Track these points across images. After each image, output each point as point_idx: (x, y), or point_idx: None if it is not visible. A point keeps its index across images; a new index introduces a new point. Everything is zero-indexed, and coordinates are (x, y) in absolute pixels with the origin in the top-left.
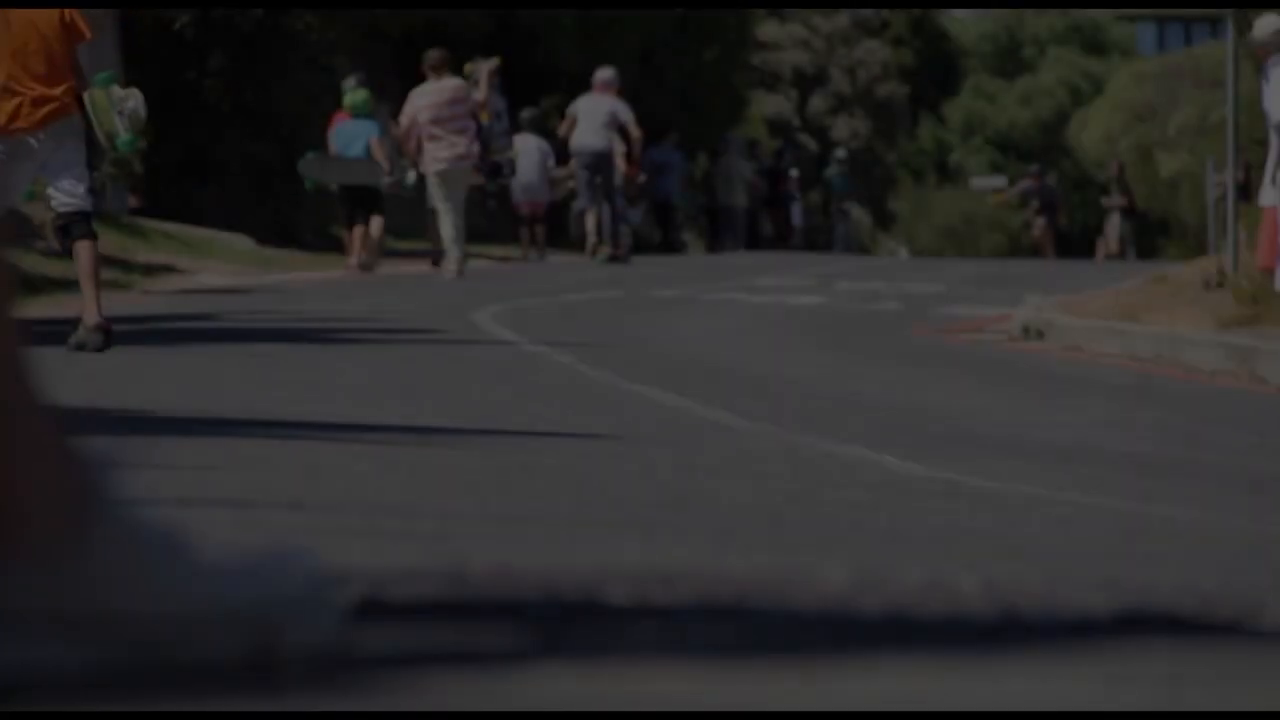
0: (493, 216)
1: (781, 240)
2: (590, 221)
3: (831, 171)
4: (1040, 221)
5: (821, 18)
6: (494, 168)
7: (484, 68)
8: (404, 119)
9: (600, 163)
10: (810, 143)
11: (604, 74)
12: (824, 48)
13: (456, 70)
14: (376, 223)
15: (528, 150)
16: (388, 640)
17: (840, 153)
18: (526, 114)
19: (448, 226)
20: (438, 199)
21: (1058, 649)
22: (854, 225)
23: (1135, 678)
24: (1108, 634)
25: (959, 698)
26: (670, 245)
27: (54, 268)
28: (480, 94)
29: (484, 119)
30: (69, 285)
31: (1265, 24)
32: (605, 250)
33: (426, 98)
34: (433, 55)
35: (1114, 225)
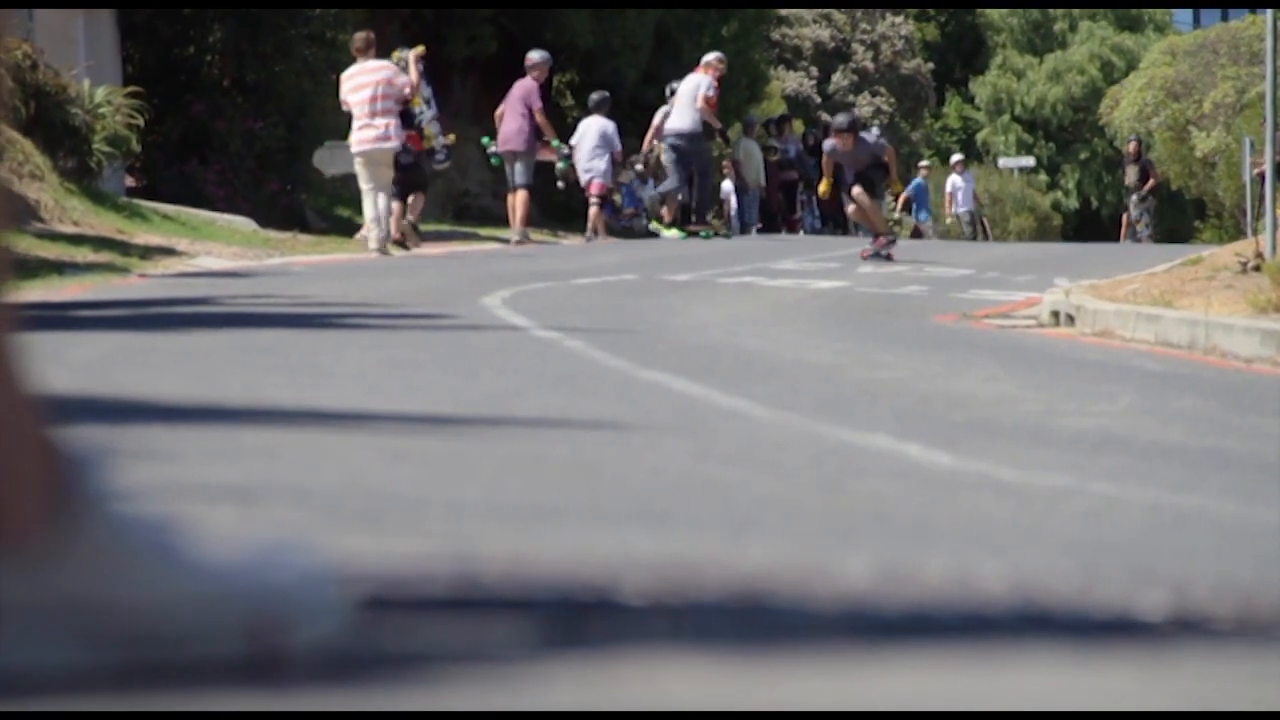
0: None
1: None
2: (672, 201)
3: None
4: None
5: None
6: (427, 154)
7: (411, 54)
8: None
9: (689, 144)
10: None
11: (709, 56)
12: (846, 23)
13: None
14: (417, 200)
15: (590, 132)
16: (395, 634)
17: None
18: (594, 97)
19: (369, 206)
20: (361, 180)
21: (1088, 645)
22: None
23: (1167, 678)
24: (1142, 631)
25: (978, 696)
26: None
27: (48, 250)
28: (411, 77)
29: (415, 105)
30: (63, 268)
31: None
32: (684, 229)
33: (352, 80)
34: (358, 38)
35: (1133, 204)
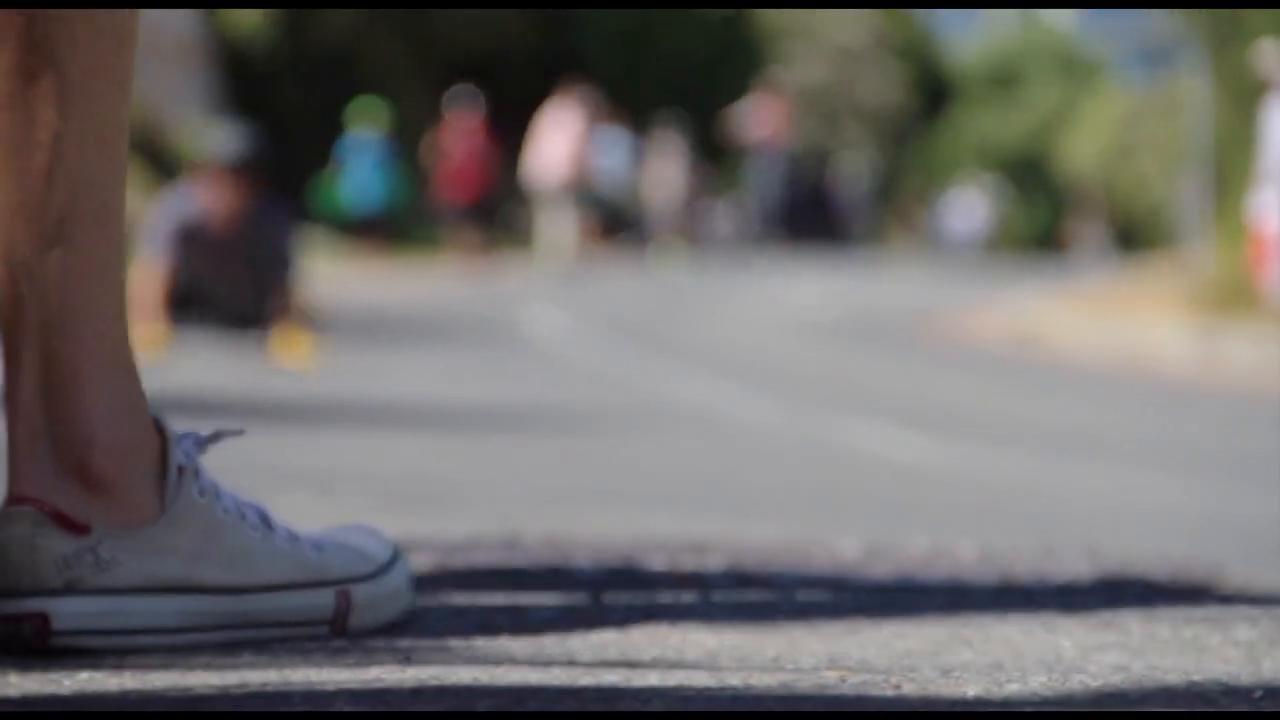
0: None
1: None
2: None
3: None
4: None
5: (831, 35)
6: None
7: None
8: None
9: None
10: (819, 152)
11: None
12: (833, 64)
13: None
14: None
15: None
16: (453, 604)
17: (856, 161)
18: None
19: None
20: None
21: (1046, 606)
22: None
23: (1115, 633)
24: (1090, 596)
25: (960, 653)
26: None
27: None
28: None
29: None
30: None
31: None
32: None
33: None
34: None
35: (1088, 232)
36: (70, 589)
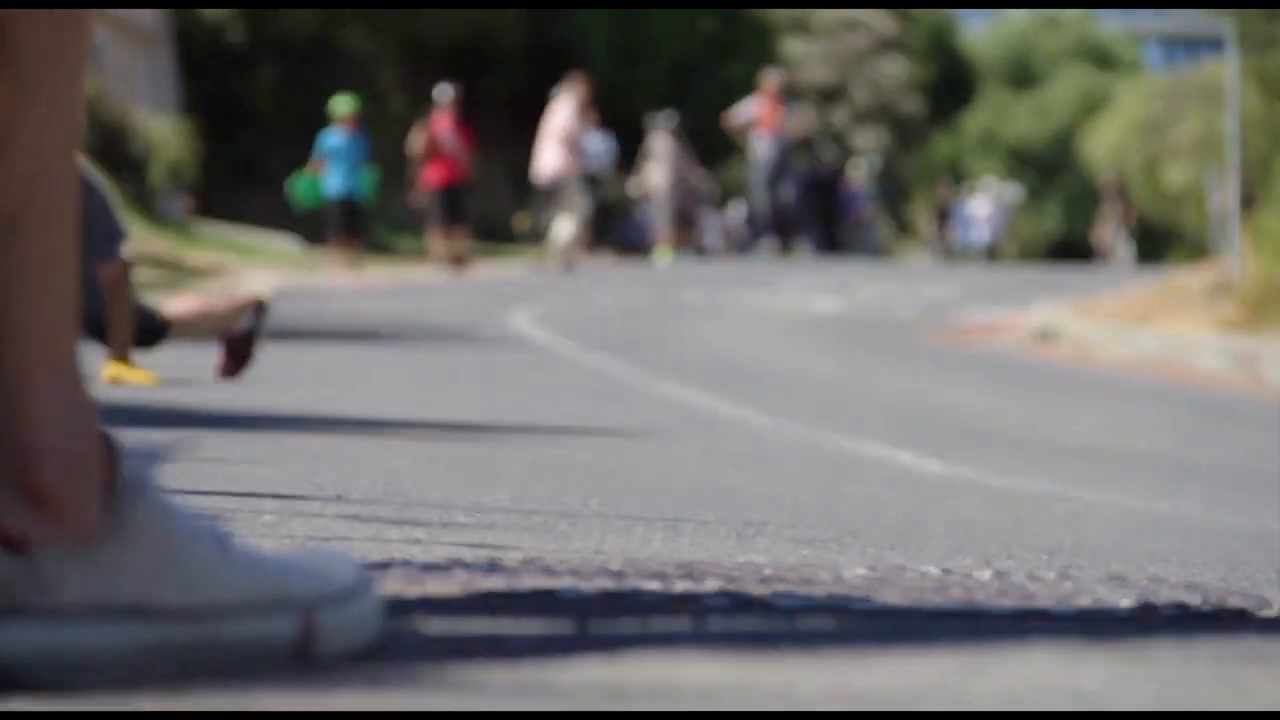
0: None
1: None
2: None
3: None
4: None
5: (844, 35)
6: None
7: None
8: None
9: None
10: (828, 153)
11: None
12: (845, 64)
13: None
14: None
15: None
16: (426, 630)
17: (868, 160)
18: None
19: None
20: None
21: (1068, 638)
22: (877, 233)
23: (1144, 666)
24: (1117, 624)
25: (974, 685)
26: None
27: None
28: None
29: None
30: None
31: None
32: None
33: None
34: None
35: (1110, 232)
36: (10, 613)
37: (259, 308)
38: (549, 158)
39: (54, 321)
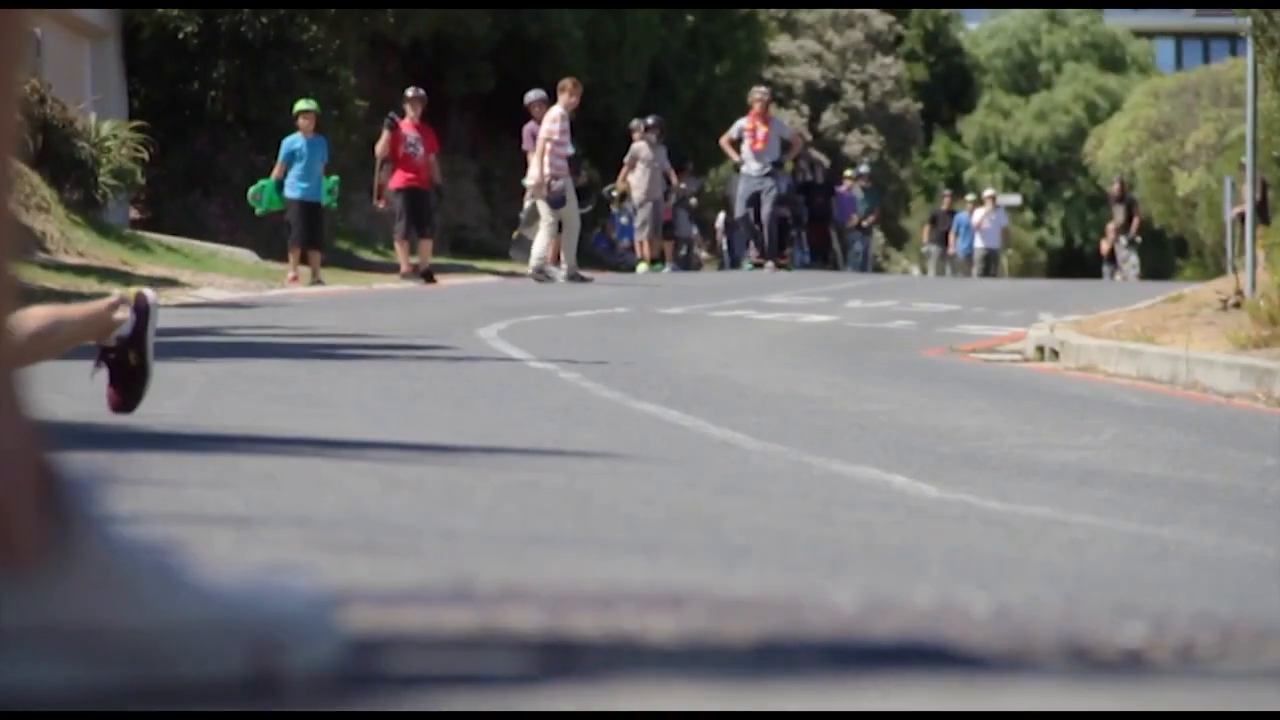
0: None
1: (822, 259)
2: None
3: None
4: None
5: (835, 33)
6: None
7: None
8: None
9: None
10: (823, 159)
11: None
12: (837, 63)
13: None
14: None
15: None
16: (389, 660)
17: (863, 167)
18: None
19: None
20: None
21: (1071, 674)
22: (871, 244)
23: (1149, 703)
24: (1122, 659)
25: None
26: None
27: (54, 280)
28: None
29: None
30: (68, 299)
31: None
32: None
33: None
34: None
35: (1119, 244)
36: None
37: (139, 309)
38: (534, 170)
39: None
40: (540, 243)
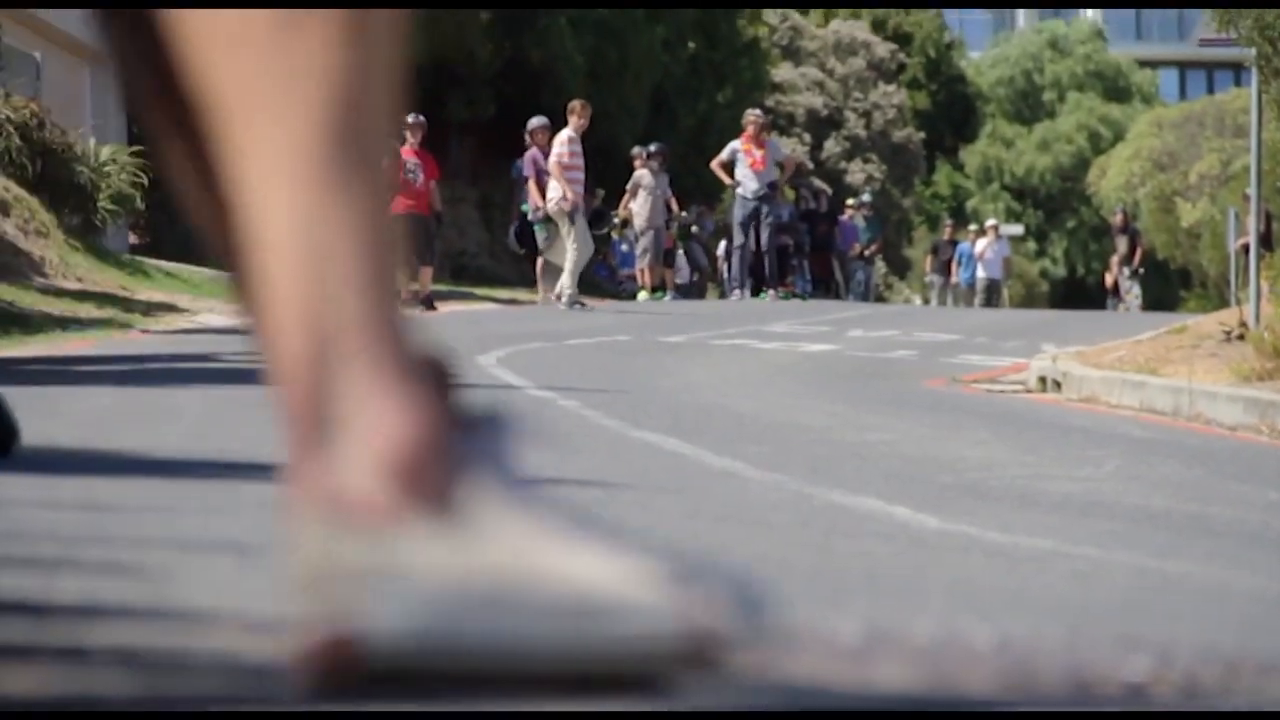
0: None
1: (824, 288)
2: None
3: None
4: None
5: (837, 60)
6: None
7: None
8: None
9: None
10: (825, 187)
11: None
12: (839, 91)
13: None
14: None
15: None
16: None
17: (865, 196)
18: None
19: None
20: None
21: (1075, 710)
22: (873, 273)
23: None
24: (1126, 695)
25: None
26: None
27: (53, 305)
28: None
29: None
30: (67, 324)
31: None
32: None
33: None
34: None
35: (1122, 275)
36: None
37: None
38: (549, 192)
39: None
40: (568, 272)
